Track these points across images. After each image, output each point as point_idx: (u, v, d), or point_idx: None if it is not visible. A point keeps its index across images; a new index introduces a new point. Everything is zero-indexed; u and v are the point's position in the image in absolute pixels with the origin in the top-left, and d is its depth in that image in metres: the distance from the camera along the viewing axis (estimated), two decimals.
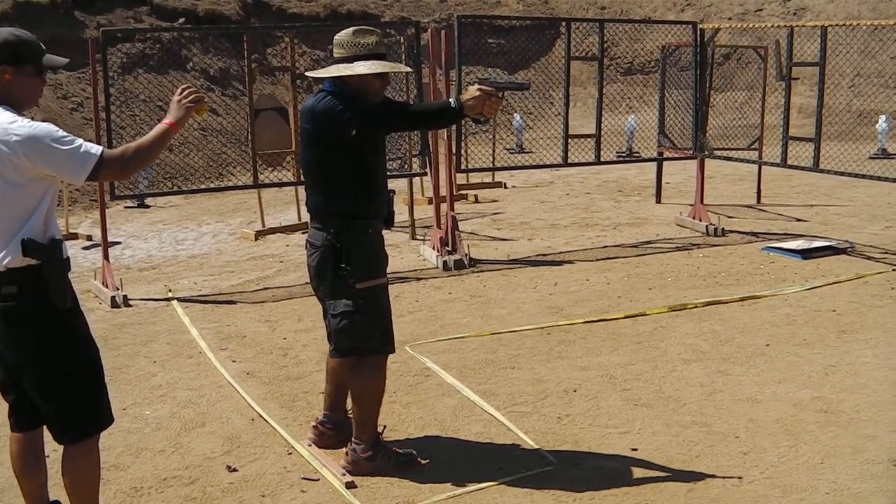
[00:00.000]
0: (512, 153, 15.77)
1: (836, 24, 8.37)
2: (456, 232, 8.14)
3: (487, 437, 4.38)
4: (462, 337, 5.94)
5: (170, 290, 7.42)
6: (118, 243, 9.74)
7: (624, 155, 14.34)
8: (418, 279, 7.57)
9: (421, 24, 9.87)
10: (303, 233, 8.46)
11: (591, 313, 6.39)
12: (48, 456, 3.45)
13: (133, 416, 4.77)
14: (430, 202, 9.24)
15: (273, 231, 9.93)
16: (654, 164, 11.20)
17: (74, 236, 9.93)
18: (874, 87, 17.06)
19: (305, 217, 4.09)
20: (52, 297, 3.04)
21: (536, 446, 4.23)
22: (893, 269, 7.31)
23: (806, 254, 7.85)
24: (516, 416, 4.59)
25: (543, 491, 3.80)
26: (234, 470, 4.08)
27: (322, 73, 3.92)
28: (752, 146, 10.10)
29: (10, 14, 14.31)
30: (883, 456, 4.01)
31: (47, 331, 3.06)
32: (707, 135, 9.32)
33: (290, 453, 4.24)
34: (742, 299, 6.58)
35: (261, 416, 4.67)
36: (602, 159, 9.12)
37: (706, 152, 9.27)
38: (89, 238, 9.95)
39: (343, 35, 3.86)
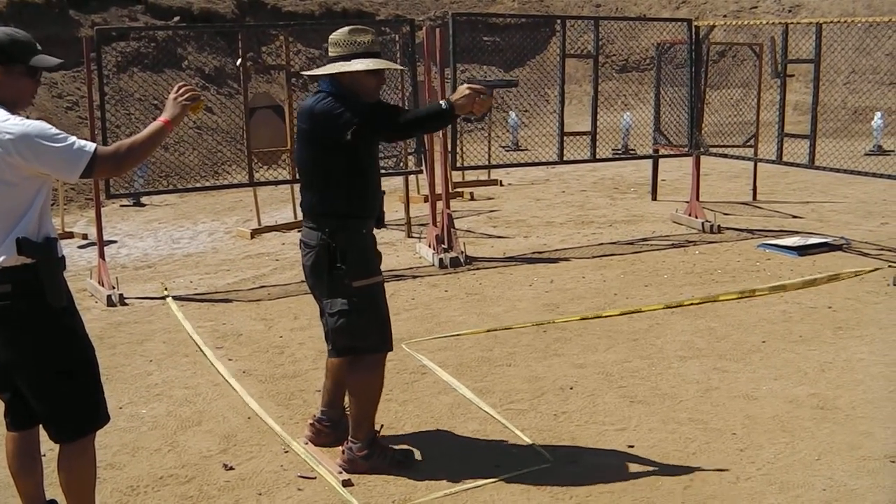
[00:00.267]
0: (508, 151, 15.78)
1: (832, 21, 8.38)
2: (452, 229, 8.14)
3: (484, 435, 4.38)
4: (458, 334, 5.94)
5: (166, 289, 7.41)
6: (114, 242, 9.73)
7: (620, 152, 14.35)
8: (414, 277, 7.57)
9: (416, 21, 9.87)
10: (298, 231, 8.45)
11: (588, 311, 6.40)
12: (44, 455, 3.45)
13: (129, 414, 4.76)
14: (425, 200, 9.24)
15: (269, 229, 9.92)
16: (649, 162, 11.22)
17: (70, 235, 9.92)
18: (869, 83, 17.10)
19: (301, 215, 4.09)
20: (47, 296, 3.03)
21: (533, 443, 4.23)
22: (889, 266, 7.32)
23: (802, 250, 7.86)
24: (512, 414, 4.59)
25: (540, 488, 3.80)
26: (231, 468, 4.07)
27: (319, 71, 3.92)
28: (748, 143, 10.12)
29: (5, 13, 14.27)
30: (879, 452, 4.01)
31: (42, 330, 3.05)
32: (702, 132, 9.32)
33: (286, 451, 4.23)
34: (739, 294, 6.59)
35: (257, 414, 4.67)
36: (598, 157, 9.12)
37: (702, 149, 9.27)
38: (85, 237, 9.93)
39: (339, 34, 3.87)
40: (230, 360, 5.60)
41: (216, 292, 7.39)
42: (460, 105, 3.73)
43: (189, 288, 7.55)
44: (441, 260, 7.88)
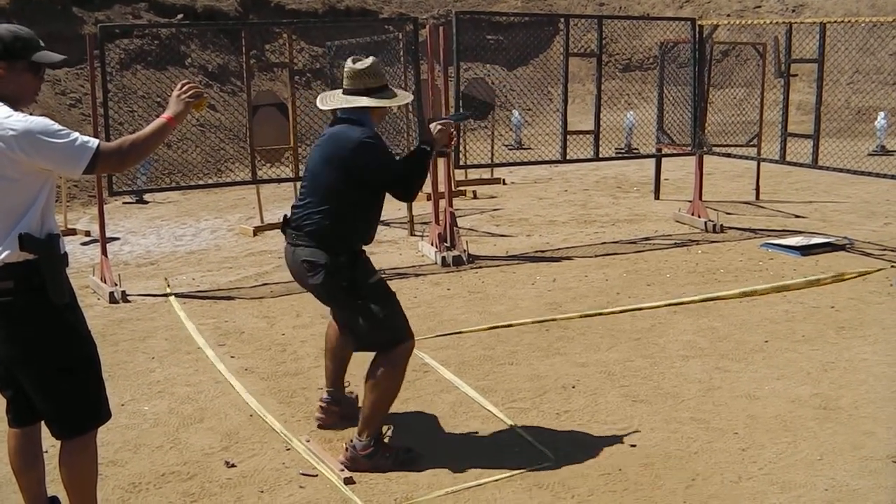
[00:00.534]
0: (511, 149, 15.77)
1: (835, 21, 8.36)
2: (454, 228, 8.13)
3: (486, 434, 4.38)
4: (460, 333, 5.94)
5: (168, 286, 7.41)
6: (116, 239, 9.73)
7: (623, 151, 14.34)
8: (417, 275, 7.57)
9: (419, 20, 9.86)
10: None
11: (590, 309, 6.39)
12: (46, 451, 3.45)
13: (131, 411, 4.76)
14: (428, 198, 9.23)
15: (271, 227, 9.91)
16: (652, 161, 11.21)
17: (73, 232, 9.93)
18: (873, 83, 17.08)
19: None
20: (49, 292, 3.02)
21: (535, 442, 4.23)
22: (892, 266, 7.31)
23: (804, 250, 7.85)
24: (515, 413, 4.59)
25: (542, 487, 3.80)
26: (233, 465, 4.08)
27: (385, 102, 4.11)
28: (751, 143, 10.11)
29: (8, 9, 14.29)
30: (881, 452, 4.01)
31: (44, 326, 3.05)
32: (706, 131, 9.31)
33: (288, 449, 4.23)
34: (742, 294, 6.58)
35: (259, 412, 4.67)
36: (601, 156, 9.12)
37: (705, 149, 9.27)
38: (88, 234, 9.94)
39: (373, 64, 4.07)
40: (232, 357, 5.61)
41: (218, 290, 7.39)
42: (438, 140, 4.11)
43: (191, 285, 7.55)
44: (444, 258, 7.88)
